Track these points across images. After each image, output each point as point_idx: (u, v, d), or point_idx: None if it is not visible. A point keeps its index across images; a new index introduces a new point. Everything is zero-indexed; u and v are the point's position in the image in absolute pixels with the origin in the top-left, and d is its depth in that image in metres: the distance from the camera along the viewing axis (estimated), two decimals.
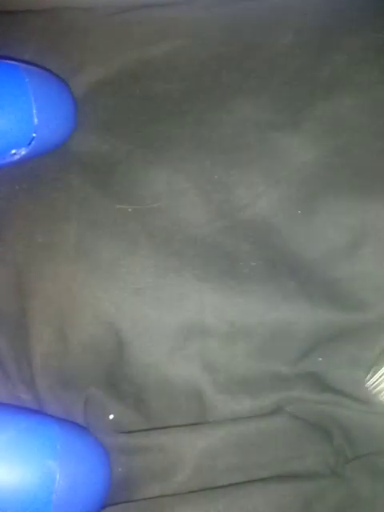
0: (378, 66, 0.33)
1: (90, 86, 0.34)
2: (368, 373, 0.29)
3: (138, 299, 0.30)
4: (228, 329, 0.29)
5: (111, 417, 0.29)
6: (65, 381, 0.29)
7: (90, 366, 0.30)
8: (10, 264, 0.31)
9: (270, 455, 0.28)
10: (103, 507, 0.27)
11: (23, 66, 0.30)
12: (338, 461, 0.28)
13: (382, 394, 0.28)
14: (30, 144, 0.30)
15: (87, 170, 0.33)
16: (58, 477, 0.25)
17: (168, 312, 0.29)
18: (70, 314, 0.30)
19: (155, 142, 0.33)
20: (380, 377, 0.28)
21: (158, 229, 0.31)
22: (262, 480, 0.27)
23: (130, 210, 0.31)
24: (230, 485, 0.27)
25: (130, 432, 0.29)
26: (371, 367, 0.29)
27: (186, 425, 0.29)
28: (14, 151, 0.30)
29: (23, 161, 0.31)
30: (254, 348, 0.29)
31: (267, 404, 0.29)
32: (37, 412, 0.28)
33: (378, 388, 0.28)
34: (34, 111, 0.30)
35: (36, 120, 0.30)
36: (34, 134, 0.30)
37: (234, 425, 0.28)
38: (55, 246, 0.31)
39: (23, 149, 0.30)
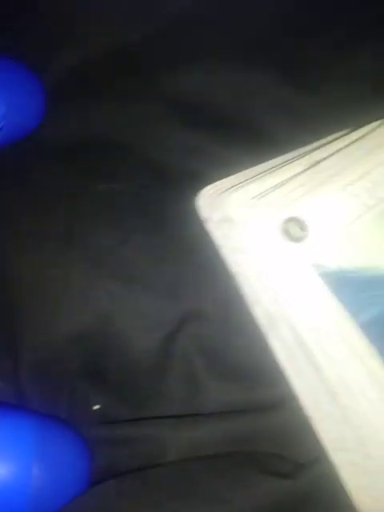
0: None
1: (62, 72, 0.32)
2: None
3: (132, 288, 0.27)
4: (226, 314, 0.26)
5: (96, 407, 0.27)
6: (49, 372, 0.27)
7: (77, 357, 0.28)
8: None
9: (257, 451, 0.25)
10: None
11: None
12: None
13: None
14: None
15: (66, 156, 0.31)
16: (34, 472, 0.23)
17: (163, 300, 0.27)
18: (59, 303, 0.28)
19: (133, 122, 0.31)
20: None
21: (148, 210, 0.29)
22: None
23: (115, 188, 0.29)
24: None
25: (114, 423, 0.27)
26: None
27: (172, 416, 0.26)
28: None
29: None
30: (252, 333, 0.26)
31: (265, 398, 0.26)
32: (12, 407, 0.26)
33: None
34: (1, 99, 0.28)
35: (3, 108, 0.28)
36: (2, 123, 0.28)
37: (223, 418, 0.26)
38: (44, 235, 0.29)
39: None
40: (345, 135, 0.24)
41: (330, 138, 0.25)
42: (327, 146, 0.23)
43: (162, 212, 0.28)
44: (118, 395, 0.27)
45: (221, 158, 0.28)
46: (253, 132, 0.30)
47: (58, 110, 0.31)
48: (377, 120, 0.24)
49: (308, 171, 0.22)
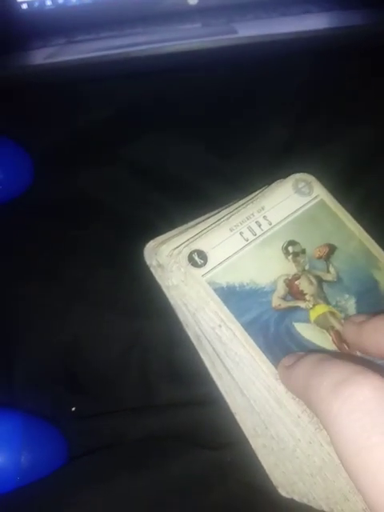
0: None
1: (45, 148, 0.40)
2: None
3: (97, 311, 0.34)
4: (169, 332, 0.33)
5: (73, 409, 0.33)
6: (36, 382, 0.33)
7: (57, 368, 0.34)
8: None
9: (194, 434, 0.30)
10: None
11: None
12: None
13: None
14: None
15: (48, 211, 0.38)
16: (22, 460, 0.29)
17: (121, 320, 0.34)
18: (43, 326, 0.34)
19: (101, 184, 0.38)
20: None
21: (108, 251, 0.35)
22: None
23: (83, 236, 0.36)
24: None
25: (86, 418, 0.32)
26: None
27: (131, 408, 0.32)
28: None
29: None
30: (189, 346, 0.32)
31: (200, 395, 0.32)
32: (5, 408, 0.32)
33: None
34: None
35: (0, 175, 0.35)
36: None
37: (169, 410, 0.32)
38: (29, 271, 0.35)
39: None
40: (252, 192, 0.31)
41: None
42: (232, 202, 0.30)
43: (118, 252, 0.35)
44: (90, 397, 0.33)
45: (166, 210, 0.35)
46: (189, 190, 0.37)
47: (42, 177, 0.38)
48: (273, 181, 0.30)
49: (209, 219, 0.28)
